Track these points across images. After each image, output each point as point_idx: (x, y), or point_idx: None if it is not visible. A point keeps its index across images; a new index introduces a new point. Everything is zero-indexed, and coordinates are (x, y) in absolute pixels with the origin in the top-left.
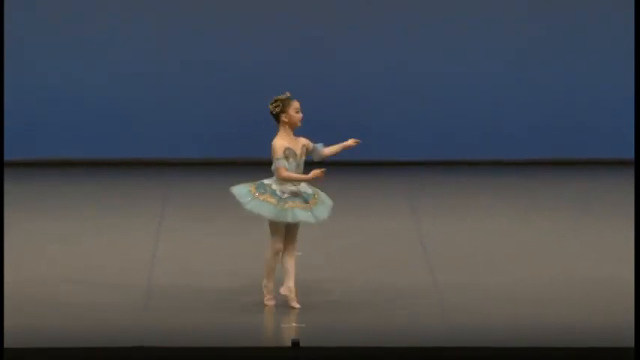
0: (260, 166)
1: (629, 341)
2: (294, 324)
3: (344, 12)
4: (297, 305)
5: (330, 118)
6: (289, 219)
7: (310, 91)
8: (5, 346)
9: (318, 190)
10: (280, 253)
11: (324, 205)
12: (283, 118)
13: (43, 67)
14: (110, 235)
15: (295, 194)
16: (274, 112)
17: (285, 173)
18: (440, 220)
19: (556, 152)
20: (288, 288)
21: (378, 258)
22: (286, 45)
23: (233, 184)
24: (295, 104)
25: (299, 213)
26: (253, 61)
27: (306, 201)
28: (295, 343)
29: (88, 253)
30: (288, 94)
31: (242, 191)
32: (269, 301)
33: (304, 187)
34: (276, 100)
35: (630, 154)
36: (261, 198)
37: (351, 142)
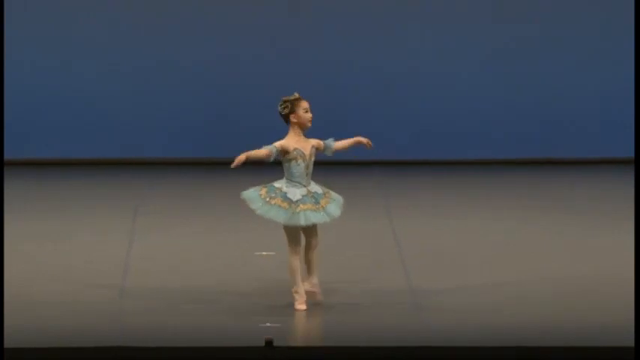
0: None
1: (629, 341)
2: (268, 324)
3: (323, 12)
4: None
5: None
6: (302, 222)
7: (287, 91)
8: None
9: (328, 189)
10: (299, 254)
11: (335, 202)
12: (292, 119)
13: (16, 68)
14: (86, 234)
15: (306, 195)
16: (283, 114)
17: (252, 152)
18: (415, 219)
19: (536, 152)
20: (312, 284)
21: (354, 258)
22: (264, 45)
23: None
24: (304, 104)
25: (311, 215)
26: (230, 61)
27: (317, 201)
28: (269, 343)
29: (64, 252)
30: (296, 95)
31: (252, 196)
32: (300, 306)
33: (314, 187)
34: (284, 102)
35: (621, 153)
36: (272, 202)
37: (364, 139)
